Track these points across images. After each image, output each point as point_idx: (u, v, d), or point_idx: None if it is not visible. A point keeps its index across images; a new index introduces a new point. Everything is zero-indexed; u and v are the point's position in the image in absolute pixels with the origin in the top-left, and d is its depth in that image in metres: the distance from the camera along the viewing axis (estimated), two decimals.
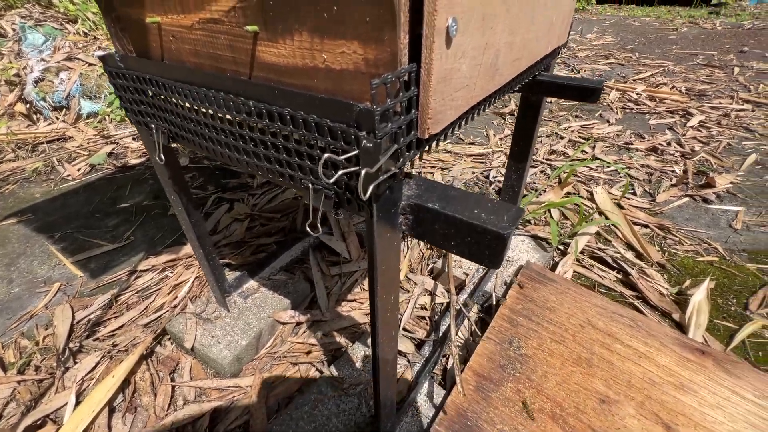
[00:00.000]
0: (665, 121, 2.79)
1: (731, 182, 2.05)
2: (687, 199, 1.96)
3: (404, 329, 1.29)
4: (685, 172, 2.15)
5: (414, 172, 2.21)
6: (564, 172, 2.09)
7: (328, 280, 1.51)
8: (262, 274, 1.48)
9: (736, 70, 3.70)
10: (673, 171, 2.18)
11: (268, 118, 0.55)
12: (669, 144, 2.47)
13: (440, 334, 1.25)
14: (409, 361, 1.15)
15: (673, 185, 2.06)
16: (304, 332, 1.30)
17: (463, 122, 0.60)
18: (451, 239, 0.50)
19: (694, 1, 7.12)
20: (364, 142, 0.42)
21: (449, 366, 1.16)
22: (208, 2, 0.58)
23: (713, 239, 1.69)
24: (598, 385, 1.05)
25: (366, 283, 1.49)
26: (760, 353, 1.24)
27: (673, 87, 3.36)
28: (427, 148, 0.51)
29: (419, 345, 1.24)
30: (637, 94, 3.26)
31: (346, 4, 0.43)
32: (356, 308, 1.38)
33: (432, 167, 2.28)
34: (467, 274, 1.45)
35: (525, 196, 1.93)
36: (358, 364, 1.13)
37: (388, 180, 0.46)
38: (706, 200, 1.94)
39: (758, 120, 2.72)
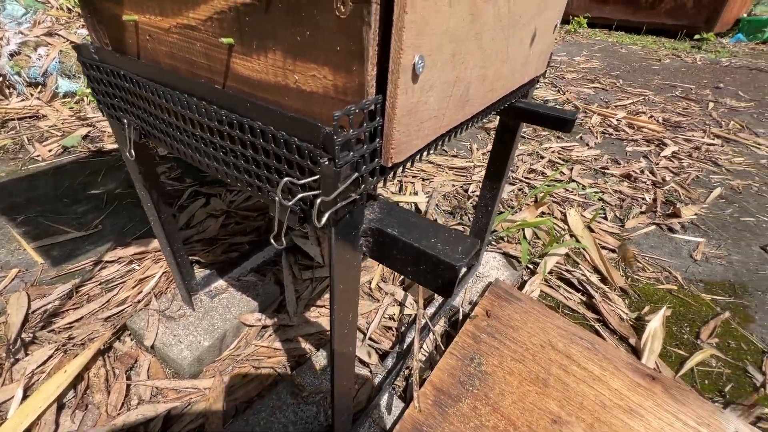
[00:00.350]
0: (641, 149, 2.90)
1: (696, 213, 2.15)
2: (654, 227, 2.04)
3: (370, 339, 1.30)
4: (654, 200, 2.24)
5: (393, 183, 2.24)
6: (540, 193, 2.15)
7: (299, 284, 1.50)
8: (231, 273, 1.46)
9: (711, 105, 3.88)
10: (643, 198, 2.27)
11: (239, 129, 0.55)
12: (642, 172, 2.56)
13: (405, 346, 1.26)
14: (371, 371, 1.16)
15: (642, 212, 2.15)
16: (270, 336, 1.29)
17: (433, 149, 0.61)
18: (408, 265, 0.51)
19: (679, 34, 7.42)
20: (325, 167, 0.43)
21: (411, 379, 1.18)
22: (185, 8, 0.57)
23: (674, 268, 1.76)
24: (552, 405, 1.09)
25: None
26: (706, 381, 1.30)
27: (651, 116, 3.49)
28: (391, 175, 0.52)
29: (384, 356, 1.25)
30: (617, 120, 3.37)
31: (320, 31, 0.43)
32: (325, 314, 1.38)
33: (413, 177, 2.30)
34: None
35: (500, 213, 1.97)
36: (320, 372, 1.13)
37: (348, 205, 0.46)
38: (671, 229, 2.02)
39: (726, 155, 2.86)
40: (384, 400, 1.08)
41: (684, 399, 1.15)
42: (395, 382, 1.18)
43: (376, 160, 0.48)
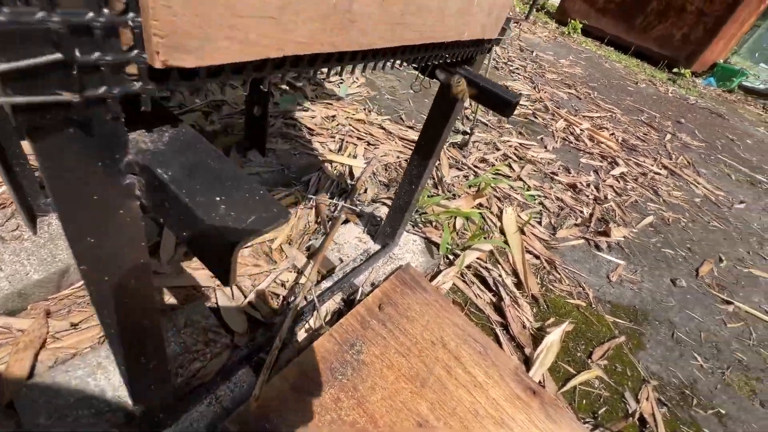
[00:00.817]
0: (594, 163, 2.89)
1: (624, 236, 2.17)
2: (582, 241, 2.03)
3: (250, 303, 1.15)
4: (591, 215, 2.23)
5: (334, 140, 2.03)
6: (483, 183, 2.05)
7: None
8: None
9: (668, 136, 3.98)
10: (581, 211, 2.25)
11: None
12: (588, 185, 2.55)
13: (285, 319, 1.12)
14: (233, 342, 1.01)
15: (576, 224, 2.13)
16: None
17: (287, 75, 0.44)
18: (183, 229, 0.34)
19: (660, 63, 7.57)
20: None
21: (283, 355, 1.05)
22: None
23: (589, 285, 1.76)
24: (423, 407, 1.01)
25: None
26: (584, 401, 1.30)
27: (612, 134, 3.51)
28: (174, 88, 0.34)
29: (257, 326, 1.10)
30: (580, 130, 3.35)
31: None
32: (205, 267, 1.19)
33: (359, 139, 2.11)
34: (342, 260, 1.34)
35: (434, 196, 1.85)
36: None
37: (52, 110, 0.28)
38: (597, 247, 2.02)
39: (667, 187, 2.93)
40: (238, 376, 0.94)
41: (557, 417, 1.13)
42: (259, 357, 1.04)
43: (135, 51, 0.29)
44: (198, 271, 1.17)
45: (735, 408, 1.46)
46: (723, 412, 1.43)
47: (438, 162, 2.10)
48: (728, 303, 1.94)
